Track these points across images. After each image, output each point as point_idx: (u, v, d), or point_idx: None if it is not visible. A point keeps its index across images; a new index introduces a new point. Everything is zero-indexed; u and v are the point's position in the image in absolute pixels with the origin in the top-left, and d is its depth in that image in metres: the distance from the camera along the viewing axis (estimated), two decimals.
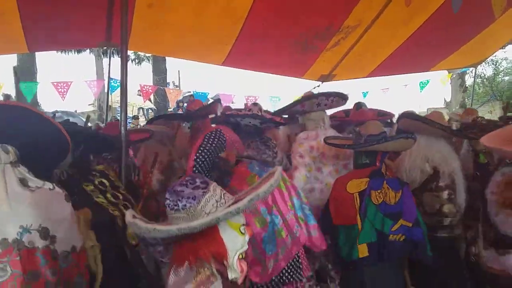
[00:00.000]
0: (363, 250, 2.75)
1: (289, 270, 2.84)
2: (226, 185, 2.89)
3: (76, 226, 2.15)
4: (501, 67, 25.70)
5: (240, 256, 1.67)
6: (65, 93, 7.25)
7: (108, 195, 2.88)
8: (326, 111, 4.07)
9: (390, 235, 2.80)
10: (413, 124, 3.39)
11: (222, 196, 1.68)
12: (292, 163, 3.74)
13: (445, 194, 3.29)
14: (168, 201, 1.65)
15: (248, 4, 4.84)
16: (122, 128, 3.49)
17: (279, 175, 1.76)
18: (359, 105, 5.53)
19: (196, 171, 2.95)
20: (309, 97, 3.86)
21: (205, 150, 2.98)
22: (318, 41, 5.88)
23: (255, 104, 4.50)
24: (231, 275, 1.64)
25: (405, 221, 2.87)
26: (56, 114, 11.71)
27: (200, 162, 2.95)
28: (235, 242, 1.67)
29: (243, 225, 1.70)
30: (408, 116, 3.56)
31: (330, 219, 2.93)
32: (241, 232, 1.69)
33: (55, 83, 7.05)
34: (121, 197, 2.91)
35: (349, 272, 2.90)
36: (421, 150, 3.32)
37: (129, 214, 1.74)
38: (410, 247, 2.86)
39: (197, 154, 2.96)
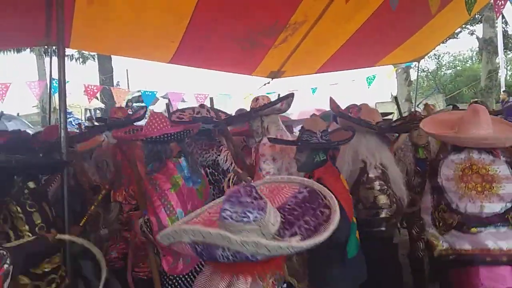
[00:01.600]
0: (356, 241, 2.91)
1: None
2: (150, 173, 3.12)
3: None
4: (443, 61, 26.93)
5: None
6: (3, 95, 6.88)
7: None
8: None
9: None
10: (345, 122, 3.64)
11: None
12: (261, 167, 3.64)
13: (376, 185, 3.40)
14: (230, 212, 1.57)
15: (193, 0, 4.73)
16: (62, 131, 3.34)
17: (335, 223, 1.71)
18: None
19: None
20: (287, 96, 3.89)
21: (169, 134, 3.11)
22: (265, 38, 5.87)
23: (202, 106, 4.42)
24: None
25: None
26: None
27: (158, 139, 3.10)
28: None
29: None
30: (341, 115, 3.82)
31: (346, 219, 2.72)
32: None
33: None
34: (13, 239, 2.73)
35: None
36: (350, 145, 3.43)
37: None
38: None
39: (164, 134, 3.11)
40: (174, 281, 3.14)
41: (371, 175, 3.42)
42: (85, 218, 3.59)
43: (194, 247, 1.57)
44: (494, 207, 2.73)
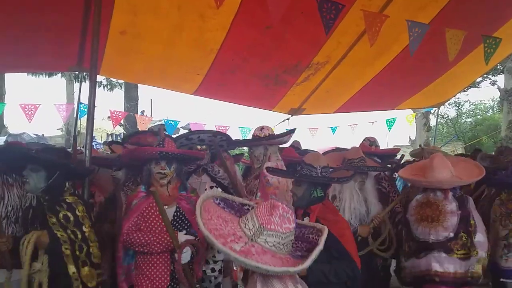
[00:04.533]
0: None
1: None
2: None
3: None
4: (463, 108, 26.78)
5: None
6: (32, 115, 7.08)
7: (69, 231, 2.87)
8: None
9: None
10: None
11: None
12: (270, 182, 3.73)
13: None
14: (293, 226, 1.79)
15: (220, 38, 4.94)
16: (87, 151, 3.50)
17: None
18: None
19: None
20: (292, 130, 4.18)
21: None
22: (288, 76, 6.03)
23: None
24: None
25: None
26: (24, 135, 11.48)
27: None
28: None
29: None
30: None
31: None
32: None
33: (22, 105, 6.90)
34: (80, 237, 2.89)
35: None
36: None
37: None
38: None
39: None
40: None
41: None
42: None
43: None
44: (438, 235, 3.37)
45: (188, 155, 3.46)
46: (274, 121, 8.59)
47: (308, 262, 1.68)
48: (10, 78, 16.51)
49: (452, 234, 3.33)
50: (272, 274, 1.70)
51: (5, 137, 11.70)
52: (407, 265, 3.59)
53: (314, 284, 2.79)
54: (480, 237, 3.37)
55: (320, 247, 1.77)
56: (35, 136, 12.15)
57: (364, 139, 5.37)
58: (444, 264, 3.32)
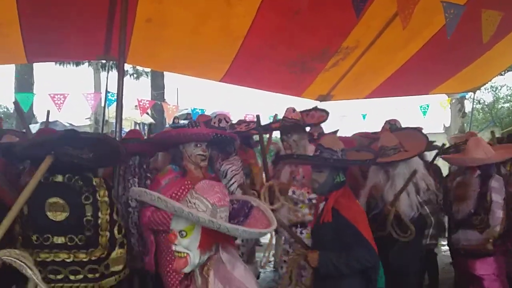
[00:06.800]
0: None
1: None
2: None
3: None
4: (500, 93, 25.80)
5: None
6: (61, 104, 7.17)
7: None
8: None
9: None
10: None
11: None
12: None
13: None
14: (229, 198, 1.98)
15: (247, 24, 4.87)
16: (117, 139, 3.53)
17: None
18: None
19: None
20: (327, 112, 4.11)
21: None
22: (316, 62, 5.91)
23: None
24: None
25: None
26: (56, 122, 11.81)
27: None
28: None
29: None
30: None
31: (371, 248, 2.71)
32: None
33: (51, 95, 7.01)
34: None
35: None
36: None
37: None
38: None
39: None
40: None
41: None
42: None
43: None
44: (464, 212, 3.70)
45: (233, 138, 3.45)
46: (303, 107, 8.46)
47: (275, 223, 1.97)
48: (38, 68, 16.79)
49: (473, 210, 3.65)
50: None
51: (37, 124, 11.99)
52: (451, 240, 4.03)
53: (327, 277, 2.73)
54: (494, 213, 3.57)
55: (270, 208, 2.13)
56: (68, 125, 12.45)
57: (385, 122, 5.12)
58: (467, 238, 3.68)
